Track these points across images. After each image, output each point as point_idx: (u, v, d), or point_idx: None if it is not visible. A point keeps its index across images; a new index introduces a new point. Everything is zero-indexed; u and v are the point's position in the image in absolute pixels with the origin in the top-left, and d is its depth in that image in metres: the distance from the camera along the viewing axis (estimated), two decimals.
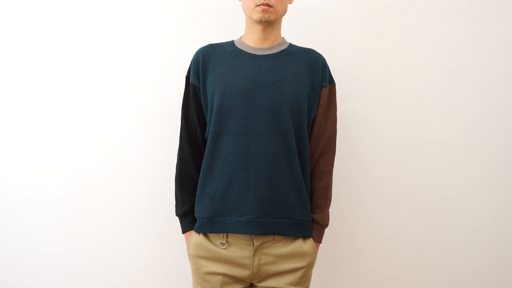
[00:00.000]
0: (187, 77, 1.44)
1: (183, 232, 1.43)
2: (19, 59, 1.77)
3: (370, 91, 1.79)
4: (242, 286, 1.37)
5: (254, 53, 1.39)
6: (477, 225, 1.83)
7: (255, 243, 1.33)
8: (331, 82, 1.45)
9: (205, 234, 1.37)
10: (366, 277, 1.83)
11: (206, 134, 1.41)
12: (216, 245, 1.35)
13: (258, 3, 1.31)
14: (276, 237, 1.34)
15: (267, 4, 1.31)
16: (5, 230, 1.80)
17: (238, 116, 1.33)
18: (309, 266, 1.38)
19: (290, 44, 1.45)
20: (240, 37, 1.45)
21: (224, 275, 1.34)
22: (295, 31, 1.67)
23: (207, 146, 1.38)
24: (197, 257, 1.37)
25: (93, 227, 1.79)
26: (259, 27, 1.37)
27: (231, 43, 1.44)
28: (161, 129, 1.76)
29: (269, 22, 1.36)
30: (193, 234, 1.39)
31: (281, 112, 1.33)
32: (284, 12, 1.38)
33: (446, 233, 1.82)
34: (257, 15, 1.33)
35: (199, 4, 1.77)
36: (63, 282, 1.80)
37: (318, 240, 1.40)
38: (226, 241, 1.34)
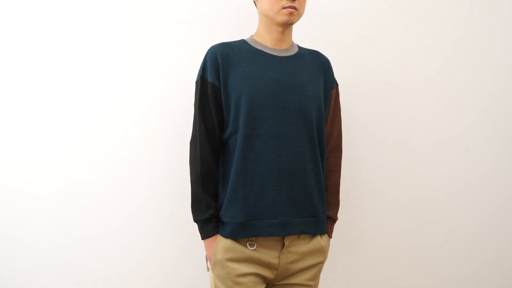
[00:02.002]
0: (203, 77, 1.36)
1: (206, 237, 1.34)
2: (20, 59, 1.77)
3: (370, 91, 1.80)
4: (265, 285, 1.36)
5: (275, 54, 1.39)
6: (477, 225, 1.83)
7: (285, 243, 1.34)
8: (336, 83, 1.49)
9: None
10: (365, 275, 1.83)
11: (226, 135, 1.37)
12: (244, 246, 1.32)
13: (286, 5, 1.32)
14: (301, 235, 1.36)
15: (294, 7, 1.32)
16: (3, 226, 1.80)
17: (269, 118, 1.32)
18: (324, 261, 1.42)
19: (298, 46, 1.47)
20: (252, 36, 1.43)
21: (255, 274, 1.32)
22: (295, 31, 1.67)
23: (237, 148, 1.33)
24: (227, 260, 1.31)
25: (91, 224, 1.77)
26: (279, 29, 1.37)
27: (244, 42, 1.41)
28: (161, 128, 1.76)
29: (289, 24, 1.38)
30: (219, 239, 1.33)
31: (308, 113, 1.35)
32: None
33: (446, 233, 1.83)
34: (283, 17, 1.33)
35: (199, 4, 1.77)
36: (60, 279, 1.80)
37: (331, 235, 1.45)
38: (255, 242, 1.33)
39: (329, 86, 1.44)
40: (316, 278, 1.39)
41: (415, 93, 1.80)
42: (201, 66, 1.38)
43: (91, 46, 1.76)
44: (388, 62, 1.80)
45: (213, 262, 1.33)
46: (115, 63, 1.76)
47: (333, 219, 1.46)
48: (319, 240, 1.38)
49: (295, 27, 1.71)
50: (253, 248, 1.31)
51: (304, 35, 1.74)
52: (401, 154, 1.81)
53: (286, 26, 1.37)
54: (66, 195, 1.78)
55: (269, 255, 1.33)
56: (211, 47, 1.39)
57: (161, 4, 1.76)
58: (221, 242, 1.32)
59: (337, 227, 1.77)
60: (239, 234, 1.31)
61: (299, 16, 1.37)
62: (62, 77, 1.77)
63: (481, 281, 1.84)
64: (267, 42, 1.39)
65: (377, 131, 1.80)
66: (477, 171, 1.82)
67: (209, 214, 1.33)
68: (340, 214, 1.78)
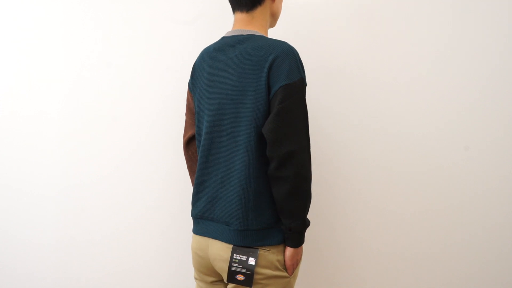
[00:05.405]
0: (303, 79, 1.25)
1: (302, 244, 1.29)
2: (19, 61, 1.78)
3: (369, 90, 1.80)
4: None
5: None
6: (478, 225, 1.82)
7: None
8: None
9: None
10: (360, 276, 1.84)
11: None
12: None
13: None
14: None
15: None
16: (6, 226, 1.81)
17: None
18: None
19: None
20: (263, 33, 1.37)
21: None
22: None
23: None
24: None
25: (93, 225, 1.80)
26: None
27: None
28: (162, 129, 1.77)
29: None
30: None
31: None
32: None
33: (445, 232, 1.83)
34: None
35: (199, 4, 1.77)
36: (62, 278, 1.81)
37: None
38: None
39: None
40: None
41: (415, 93, 1.80)
42: (300, 67, 1.25)
43: (91, 47, 1.76)
44: (387, 59, 1.79)
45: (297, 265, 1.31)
46: (115, 63, 1.77)
47: None
48: None
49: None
50: None
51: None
52: (400, 154, 1.81)
53: None
54: (69, 196, 1.79)
55: None
56: (292, 46, 1.27)
57: (161, 4, 1.76)
58: None
59: (333, 226, 1.78)
60: None
61: None
62: (64, 78, 1.78)
63: (481, 282, 1.84)
64: None
65: (376, 131, 1.80)
66: (477, 171, 1.81)
67: None
68: (338, 214, 1.79)
